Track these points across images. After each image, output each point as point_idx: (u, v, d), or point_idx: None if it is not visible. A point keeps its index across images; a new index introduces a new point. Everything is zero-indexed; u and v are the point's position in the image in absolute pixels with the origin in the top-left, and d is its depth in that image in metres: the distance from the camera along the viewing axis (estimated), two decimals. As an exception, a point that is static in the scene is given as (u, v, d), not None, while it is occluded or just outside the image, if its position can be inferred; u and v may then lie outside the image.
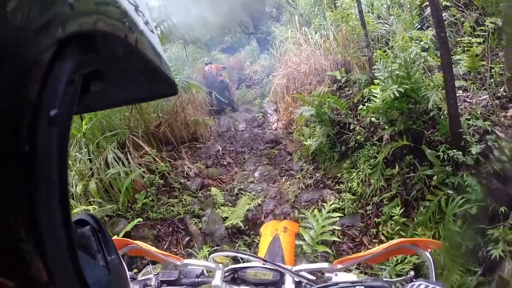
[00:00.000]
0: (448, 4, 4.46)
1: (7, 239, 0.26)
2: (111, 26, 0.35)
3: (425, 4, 4.84)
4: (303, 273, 1.19)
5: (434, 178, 3.32)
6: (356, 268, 3.34)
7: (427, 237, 3.11)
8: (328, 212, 3.82)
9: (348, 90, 5.85)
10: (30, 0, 0.25)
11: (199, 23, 11.66)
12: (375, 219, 4.00)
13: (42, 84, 0.28)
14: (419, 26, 5.04)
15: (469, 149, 3.04)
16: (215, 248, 4.23)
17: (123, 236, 3.97)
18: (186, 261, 1.30)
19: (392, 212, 3.62)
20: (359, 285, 1.01)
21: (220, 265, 1.24)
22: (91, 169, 4.98)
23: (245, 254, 1.32)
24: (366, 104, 4.46)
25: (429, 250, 1.09)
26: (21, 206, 0.27)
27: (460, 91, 3.73)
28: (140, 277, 1.30)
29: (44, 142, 0.28)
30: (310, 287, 1.11)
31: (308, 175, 5.62)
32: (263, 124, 8.69)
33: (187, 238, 4.55)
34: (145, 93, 0.64)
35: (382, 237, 3.66)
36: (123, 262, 0.65)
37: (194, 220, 4.80)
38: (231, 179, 6.24)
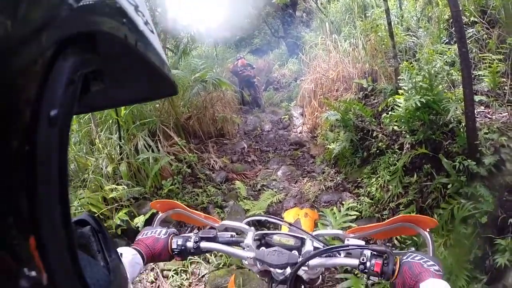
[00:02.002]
0: (474, 20, 4.58)
1: (7, 239, 0.26)
2: (111, 26, 0.36)
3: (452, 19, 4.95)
4: (320, 239, 1.30)
5: (449, 187, 3.46)
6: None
7: (438, 244, 3.24)
8: (346, 210, 4.00)
9: (374, 99, 5.98)
10: (30, 0, 0.25)
11: (229, 23, 11.86)
12: None
13: (42, 84, 0.28)
14: (446, 40, 5.14)
15: (484, 161, 3.18)
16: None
17: (147, 218, 4.22)
18: (223, 222, 1.44)
19: None
20: (366, 248, 1.13)
21: (252, 228, 1.36)
22: (121, 153, 5.21)
23: (273, 218, 1.41)
24: (390, 112, 4.61)
25: (428, 229, 1.19)
26: (21, 206, 0.27)
27: (482, 107, 3.86)
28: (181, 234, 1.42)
29: (44, 142, 0.29)
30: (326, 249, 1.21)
31: (329, 177, 5.77)
32: (289, 127, 8.83)
33: (208, 227, 4.73)
34: (145, 93, 0.64)
35: (395, 241, 3.76)
36: (123, 262, 0.68)
37: (216, 210, 4.97)
38: (254, 175, 6.41)
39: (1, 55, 0.24)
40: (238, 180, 5.98)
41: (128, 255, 1.19)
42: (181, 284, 3.74)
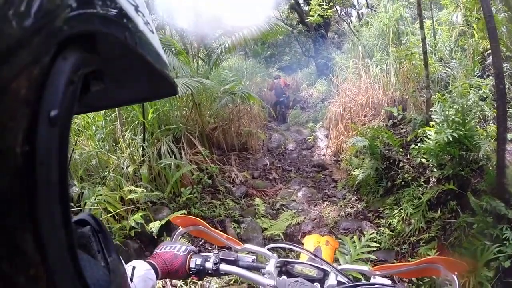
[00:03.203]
0: (510, 55, 4.48)
1: (7, 239, 0.26)
2: (111, 26, 0.36)
3: (487, 52, 4.86)
4: (345, 273, 1.28)
5: (474, 226, 3.36)
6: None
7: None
8: (367, 240, 3.90)
9: (402, 128, 5.91)
10: (30, 0, 0.26)
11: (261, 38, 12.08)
12: (409, 258, 4.01)
13: (42, 84, 0.28)
14: (479, 74, 5.05)
15: (512, 202, 3.08)
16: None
17: (163, 225, 4.20)
18: (245, 245, 1.41)
19: (428, 254, 3.62)
20: None
21: (275, 255, 1.32)
22: (143, 155, 5.24)
23: (297, 247, 1.41)
24: (419, 144, 4.52)
25: (456, 273, 1.16)
26: (21, 206, 0.27)
27: None
28: (202, 253, 1.38)
29: (44, 142, 0.29)
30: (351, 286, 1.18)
31: (350, 204, 5.69)
32: (313, 148, 8.78)
33: (228, 248, 4.69)
34: (145, 93, 0.65)
35: (413, 278, 3.68)
36: (123, 262, 0.68)
37: (233, 224, 4.94)
38: (274, 194, 6.37)
39: (1, 55, 0.24)
40: (257, 196, 5.95)
41: (141, 270, 1.16)
42: None
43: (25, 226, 0.28)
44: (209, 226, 1.48)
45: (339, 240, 4.26)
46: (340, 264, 3.60)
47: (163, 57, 0.51)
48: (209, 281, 3.87)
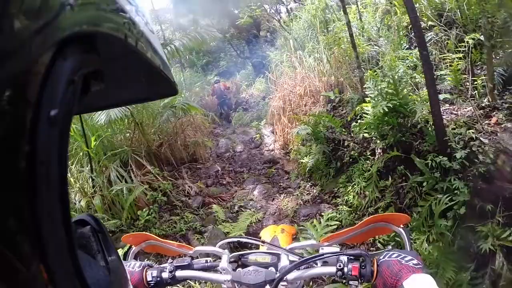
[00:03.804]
0: (432, 24, 4.74)
1: (8, 239, 0.26)
2: (111, 26, 0.36)
3: (411, 25, 5.12)
4: (295, 251, 1.31)
5: (425, 185, 3.52)
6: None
7: (421, 241, 3.28)
8: (326, 220, 3.97)
9: (342, 109, 6.08)
10: (30, 1, 0.25)
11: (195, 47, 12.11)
12: None
13: (42, 84, 0.28)
14: (407, 46, 5.31)
15: (455, 155, 3.26)
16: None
17: (125, 252, 4.01)
18: (197, 248, 1.43)
19: None
20: (342, 254, 1.13)
21: (226, 250, 1.35)
22: (93, 186, 5.08)
23: (246, 238, 1.46)
24: (359, 121, 4.68)
25: (401, 225, 1.20)
26: (22, 206, 0.27)
27: (447, 105, 3.98)
28: (156, 265, 1.39)
29: (44, 142, 0.29)
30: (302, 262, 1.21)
31: (305, 191, 5.77)
32: (261, 145, 8.85)
33: (182, 255, 4.61)
34: (145, 93, 0.65)
35: (379, 245, 3.76)
36: (123, 262, 0.68)
37: (196, 236, 4.88)
38: (231, 197, 6.34)
39: (2, 55, 0.23)
40: (215, 203, 5.90)
41: None
42: None
43: (25, 226, 0.27)
44: (159, 238, 1.47)
45: (301, 227, 4.31)
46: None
47: (163, 57, 0.52)
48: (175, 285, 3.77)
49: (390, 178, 4.19)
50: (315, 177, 5.91)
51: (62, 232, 0.32)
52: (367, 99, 4.55)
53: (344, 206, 4.69)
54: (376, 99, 4.19)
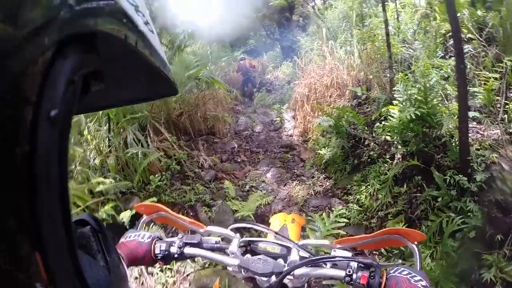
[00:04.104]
0: (471, 37, 4.66)
1: (8, 239, 0.26)
2: (111, 26, 0.36)
3: (449, 34, 5.02)
4: (307, 248, 1.30)
5: (439, 200, 3.52)
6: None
7: (425, 256, 3.28)
8: (336, 217, 4.00)
9: (367, 107, 6.04)
10: (30, 0, 0.25)
11: (226, 23, 11.98)
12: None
13: (42, 84, 0.28)
14: (442, 55, 5.22)
15: (475, 177, 3.25)
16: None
17: (133, 214, 4.14)
18: (208, 228, 1.41)
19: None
20: (353, 260, 1.12)
21: (237, 235, 1.34)
22: (109, 146, 5.15)
23: (259, 226, 1.42)
24: (383, 122, 4.68)
25: (415, 242, 1.18)
26: (22, 206, 0.27)
27: (474, 123, 3.93)
28: (165, 238, 1.38)
29: (45, 142, 0.29)
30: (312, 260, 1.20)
31: (318, 182, 5.80)
32: (280, 129, 8.83)
33: (192, 232, 4.65)
34: (145, 93, 0.65)
35: (383, 250, 3.78)
36: (123, 262, 0.69)
37: (204, 208, 4.92)
38: (244, 176, 6.38)
39: (2, 55, 0.24)
40: (227, 179, 5.93)
41: None
42: (165, 281, 3.70)
43: (25, 226, 0.28)
44: (171, 212, 1.46)
45: (309, 218, 4.36)
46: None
47: (163, 57, 0.52)
48: (184, 266, 3.89)
49: (405, 186, 4.20)
50: (330, 170, 5.92)
51: (62, 232, 0.32)
52: (394, 101, 4.52)
53: (355, 205, 4.71)
54: (404, 104, 4.17)
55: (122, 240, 1.31)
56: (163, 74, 0.52)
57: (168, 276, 3.75)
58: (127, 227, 4.05)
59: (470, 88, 4.08)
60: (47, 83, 0.29)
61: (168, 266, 3.83)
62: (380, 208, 4.38)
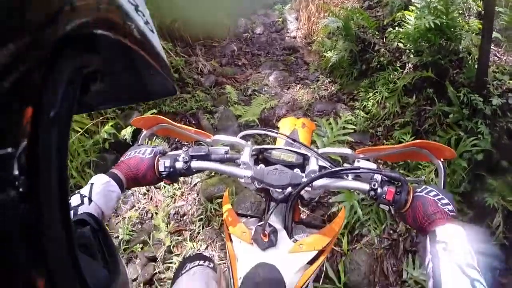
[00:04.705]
0: None
1: (7, 239, 0.26)
2: (111, 26, 0.36)
3: None
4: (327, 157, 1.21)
5: (450, 116, 3.52)
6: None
7: (430, 170, 3.35)
8: (343, 123, 4.02)
9: (378, 11, 5.79)
10: (30, 0, 0.25)
11: None
12: (384, 141, 4.21)
13: (42, 84, 0.28)
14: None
15: (490, 99, 3.24)
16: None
17: (135, 129, 4.10)
18: (216, 137, 1.30)
19: (402, 138, 3.85)
20: (378, 173, 1.06)
21: (249, 142, 1.25)
22: None
23: (273, 132, 1.29)
24: (397, 28, 4.54)
25: (442, 159, 1.11)
26: (21, 206, 0.27)
27: (492, 45, 3.83)
28: (170, 152, 1.29)
29: (44, 142, 0.29)
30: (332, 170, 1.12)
31: (323, 86, 5.78)
32: (282, 31, 8.49)
33: (199, 143, 4.55)
34: (145, 93, 0.63)
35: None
36: (123, 262, 0.67)
37: (206, 115, 4.90)
38: (245, 80, 6.32)
39: (2, 55, 0.24)
40: (228, 84, 5.86)
41: (98, 185, 1.05)
42: (173, 194, 3.78)
43: (25, 226, 0.28)
44: (173, 122, 1.35)
45: (315, 122, 4.42)
46: (317, 147, 3.71)
47: (163, 57, 0.52)
48: (190, 176, 3.88)
49: (414, 97, 4.19)
50: (336, 74, 5.85)
51: (62, 232, 0.32)
52: (411, 7, 4.34)
53: (361, 112, 4.73)
54: (421, 11, 4.02)
55: (122, 158, 1.24)
56: (162, 74, 0.52)
57: (175, 189, 3.82)
58: (130, 143, 4.03)
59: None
60: (47, 83, 0.29)
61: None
62: (387, 117, 4.41)
